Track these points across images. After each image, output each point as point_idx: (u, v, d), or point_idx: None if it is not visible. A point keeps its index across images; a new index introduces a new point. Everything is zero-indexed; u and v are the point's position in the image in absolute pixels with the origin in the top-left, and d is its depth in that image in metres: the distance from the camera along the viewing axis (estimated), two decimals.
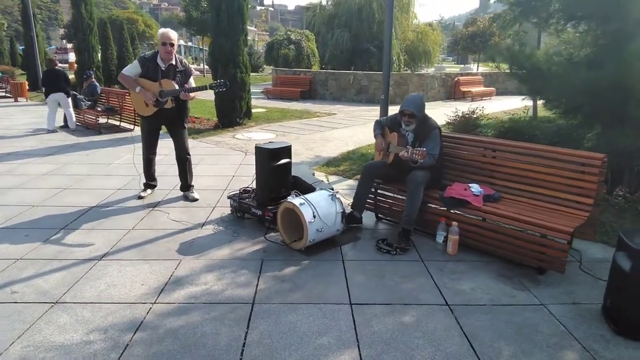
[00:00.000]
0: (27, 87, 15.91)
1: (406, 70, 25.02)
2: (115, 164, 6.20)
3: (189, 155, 4.72)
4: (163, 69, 4.32)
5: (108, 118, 9.48)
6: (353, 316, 2.58)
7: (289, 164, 4.00)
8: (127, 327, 2.43)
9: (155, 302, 2.69)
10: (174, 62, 4.36)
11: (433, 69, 27.49)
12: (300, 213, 3.30)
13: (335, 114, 12.52)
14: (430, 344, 2.33)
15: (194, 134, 8.60)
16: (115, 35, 20.76)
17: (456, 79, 17.84)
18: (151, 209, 4.41)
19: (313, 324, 2.49)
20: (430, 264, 3.29)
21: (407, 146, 3.66)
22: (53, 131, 8.96)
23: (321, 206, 3.41)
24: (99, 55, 16.53)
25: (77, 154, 6.92)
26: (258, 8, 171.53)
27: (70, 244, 3.54)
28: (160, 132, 4.74)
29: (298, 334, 2.39)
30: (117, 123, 9.43)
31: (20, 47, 27.36)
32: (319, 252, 3.42)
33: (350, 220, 3.89)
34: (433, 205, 3.71)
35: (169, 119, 4.53)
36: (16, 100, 15.05)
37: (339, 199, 3.58)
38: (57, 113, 9.18)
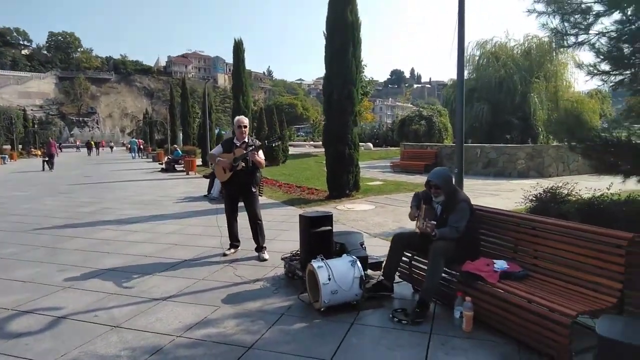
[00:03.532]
0: (199, 163, 19.61)
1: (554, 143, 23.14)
2: (224, 227, 7.39)
3: (260, 220, 5.52)
4: (237, 144, 5.40)
5: None
6: None
7: (330, 231, 4.45)
8: (149, 350, 3.12)
9: (179, 336, 3.34)
10: (246, 140, 5.43)
11: None
12: (317, 274, 3.68)
13: None
14: None
15: (302, 204, 9.59)
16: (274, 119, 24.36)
17: None
18: (226, 264, 5.25)
19: None
20: (436, 337, 3.28)
21: (427, 219, 3.80)
22: (214, 197, 10.82)
23: (339, 270, 3.74)
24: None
25: (203, 218, 8.41)
26: (415, 86, 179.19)
27: (151, 286, 4.52)
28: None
29: None
30: None
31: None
32: (335, 314, 3.70)
33: (380, 288, 4.07)
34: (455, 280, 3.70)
35: (241, 185, 5.43)
36: (187, 174, 18.62)
37: (359, 265, 3.85)
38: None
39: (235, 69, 18.53)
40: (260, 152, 5.48)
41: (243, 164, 5.32)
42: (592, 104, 25.46)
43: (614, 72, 5.36)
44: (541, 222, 3.54)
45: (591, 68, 5.23)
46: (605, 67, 5.48)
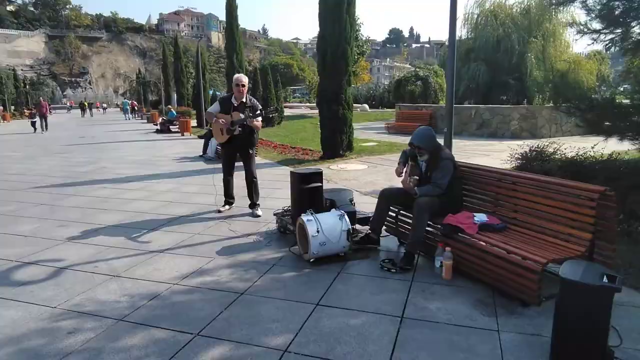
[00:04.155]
0: (194, 124, 19.52)
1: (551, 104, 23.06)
2: (220, 185, 7.54)
3: (255, 178, 5.65)
4: (235, 105, 5.42)
5: None
6: (311, 313, 3.03)
7: (320, 187, 4.59)
8: (147, 296, 3.32)
9: (175, 284, 3.54)
10: (244, 100, 5.43)
11: None
12: (306, 227, 3.86)
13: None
14: (356, 342, 2.66)
15: (296, 164, 9.72)
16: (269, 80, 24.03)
17: None
18: (221, 220, 5.43)
19: (274, 314, 3.03)
20: (417, 284, 3.50)
21: (413, 176, 3.95)
22: (210, 157, 10.91)
23: (327, 223, 3.92)
24: None
25: (198, 177, 8.54)
26: (414, 45, 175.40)
27: (149, 240, 4.70)
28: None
29: (256, 318, 2.96)
30: None
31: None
32: (323, 264, 3.90)
33: (367, 241, 4.28)
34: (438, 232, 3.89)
35: (240, 147, 5.54)
36: (182, 135, 18.60)
37: (347, 219, 4.02)
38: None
39: (228, 27, 18.14)
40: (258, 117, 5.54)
41: (240, 129, 5.38)
42: (590, 65, 25.16)
43: (604, 31, 5.38)
44: (520, 177, 3.70)
45: (582, 27, 5.24)
46: (596, 25, 5.49)
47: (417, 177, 3.94)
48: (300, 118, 26.53)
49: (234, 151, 5.67)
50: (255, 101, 5.61)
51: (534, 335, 2.71)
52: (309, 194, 4.52)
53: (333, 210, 4.19)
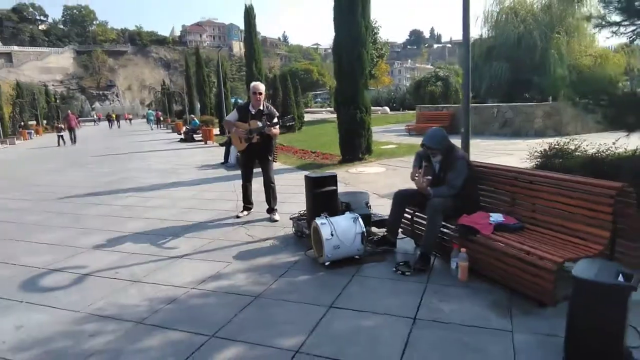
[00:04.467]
0: (217, 132, 19.86)
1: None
2: (240, 192, 7.65)
3: (273, 183, 5.71)
4: (253, 113, 5.50)
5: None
6: (324, 315, 3.05)
7: (335, 191, 4.62)
8: (165, 300, 3.41)
9: (192, 288, 3.62)
10: (261, 108, 5.51)
11: None
12: (320, 231, 3.89)
13: None
14: (368, 343, 2.67)
15: (315, 168, 9.76)
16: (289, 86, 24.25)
17: None
18: (239, 225, 5.51)
19: (286, 316, 3.06)
20: (432, 286, 3.47)
21: (426, 177, 3.93)
22: (231, 165, 11.10)
23: (341, 226, 3.93)
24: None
25: (219, 184, 8.69)
26: (435, 46, 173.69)
27: (169, 246, 4.82)
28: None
29: (270, 320, 3.00)
30: None
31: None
32: (338, 267, 3.91)
33: (383, 243, 4.27)
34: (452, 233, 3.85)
35: (258, 154, 5.63)
36: (205, 143, 18.94)
37: (361, 222, 4.02)
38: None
39: (247, 35, 18.42)
40: (275, 121, 5.59)
41: (258, 137, 5.46)
42: (617, 59, 24.43)
43: (624, 23, 5.23)
44: (536, 175, 3.63)
45: (599, 20, 5.10)
46: (615, 17, 5.34)
47: (430, 177, 3.92)
48: (321, 123, 26.64)
49: (252, 158, 5.75)
50: (273, 108, 5.68)
51: (549, 336, 2.66)
52: (323, 198, 4.55)
53: (347, 213, 4.20)
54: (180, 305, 3.32)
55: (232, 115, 5.72)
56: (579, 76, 5.00)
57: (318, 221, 3.99)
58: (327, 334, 2.80)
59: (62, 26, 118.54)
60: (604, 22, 5.14)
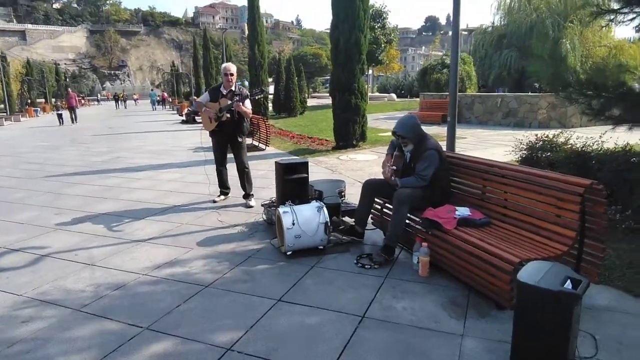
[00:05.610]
0: None
1: None
2: (213, 175, 7.52)
3: (247, 168, 5.56)
4: (224, 93, 5.36)
5: (252, 139, 11.27)
6: (269, 309, 2.91)
7: (306, 178, 4.45)
8: (113, 286, 3.30)
9: (145, 274, 3.51)
10: (233, 88, 5.36)
11: None
12: (282, 219, 3.74)
13: (465, 137, 11.99)
14: (306, 342, 2.53)
15: (307, 154, 9.58)
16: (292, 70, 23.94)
17: None
18: (213, 210, 5.38)
19: (230, 308, 2.93)
20: (390, 281, 3.32)
21: (391, 166, 3.74)
22: None
23: (304, 215, 3.78)
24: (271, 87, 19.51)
25: (206, 167, 8.55)
26: (450, 33, 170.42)
27: (135, 229, 4.71)
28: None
29: (212, 313, 2.87)
30: (256, 143, 11.14)
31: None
32: (300, 257, 3.77)
33: (351, 233, 4.11)
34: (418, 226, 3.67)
35: (228, 135, 5.48)
36: None
37: (325, 212, 3.86)
38: None
39: (250, 18, 18.05)
40: (247, 102, 5.44)
41: (228, 115, 5.32)
42: (634, 50, 23.67)
43: (622, 10, 4.93)
44: (507, 168, 3.42)
45: (595, 7, 4.81)
46: (614, 5, 5.04)
47: (395, 167, 3.74)
48: (325, 108, 26.30)
49: (224, 140, 5.60)
50: (244, 89, 5.56)
51: (500, 342, 2.49)
52: (294, 185, 4.40)
53: (313, 202, 4.04)
54: (127, 292, 3.21)
55: (204, 97, 5.63)
56: (558, 64, 4.74)
57: (281, 210, 3.84)
58: (266, 330, 2.66)
59: (75, 5, 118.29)
60: (600, 10, 4.86)
